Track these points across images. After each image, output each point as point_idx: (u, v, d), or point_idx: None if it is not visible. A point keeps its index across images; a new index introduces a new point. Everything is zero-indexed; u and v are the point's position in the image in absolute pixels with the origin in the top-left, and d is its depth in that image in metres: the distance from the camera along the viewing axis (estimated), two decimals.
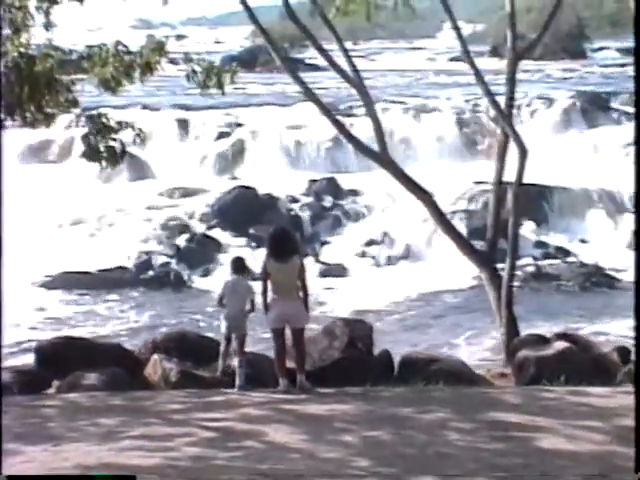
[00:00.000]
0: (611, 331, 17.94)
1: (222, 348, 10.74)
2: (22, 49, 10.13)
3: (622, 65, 49.41)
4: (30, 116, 10.37)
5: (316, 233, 24.90)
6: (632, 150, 29.18)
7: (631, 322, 17.69)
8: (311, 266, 22.43)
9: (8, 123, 10.41)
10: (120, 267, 22.66)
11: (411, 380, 10.64)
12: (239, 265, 10.86)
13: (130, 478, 7.38)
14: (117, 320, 19.84)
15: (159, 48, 10.73)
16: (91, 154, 10.89)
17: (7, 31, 10.30)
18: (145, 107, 32.89)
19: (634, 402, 7.65)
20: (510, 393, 10.39)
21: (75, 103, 10.69)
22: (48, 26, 10.47)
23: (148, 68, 10.62)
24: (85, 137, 10.91)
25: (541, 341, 11.45)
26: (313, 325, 11.48)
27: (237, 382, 10.38)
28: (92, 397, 10.10)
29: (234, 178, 28.69)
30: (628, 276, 21.65)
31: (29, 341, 15.79)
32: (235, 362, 10.51)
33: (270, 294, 10.32)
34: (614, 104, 32.90)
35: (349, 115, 28.51)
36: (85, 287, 21.61)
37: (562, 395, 9.91)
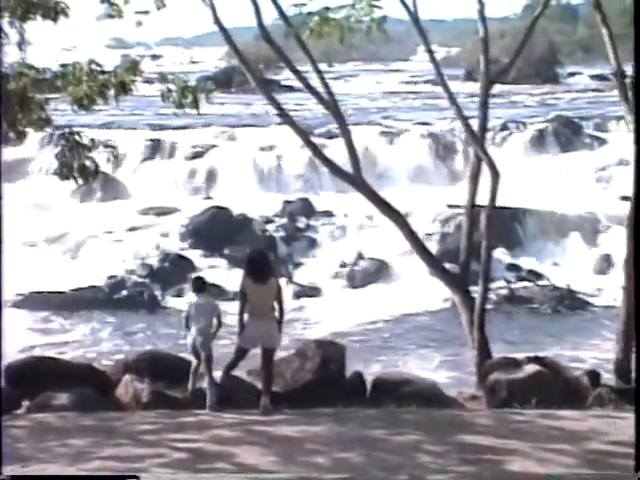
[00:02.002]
0: (582, 354, 18.04)
1: (192, 368, 10.73)
2: None
3: (594, 90, 49.91)
4: (3, 134, 10.34)
5: (290, 254, 24.92)
6: (603, 175, 29.50)
7: (602, 344, 17.90)
8: (284, 287, 22.43)
9: None
10: (93, 287, 22.55)
11: (383, 402, 10.63)
12: (199, 284, 10.93)
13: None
14: (88, 340, 19.73)
15: (133, 67, 10.74)
16: (64, 172, 10.86)
17: None
18: (119, 127, 32.86)
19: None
20: (482, 416, 10.40)
21: (48, 121, 10.67)
22: (22, 44, 10.45)
23: (122, 87, 10.62)
24: (58, 155, 10.88)
25: (513, 364, 11.47)
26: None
27: (207, 402, 10.35)
28: (62, 417, 10.02)
29: (208, 198, 28.68)
30: (599, 300, 21.81)
31: None
32: (207, 403, 10.49)
33: (245, 315, 10.38)
34: (587, 129, 33.17)
35: (326, 137, 28.55)
36: (58, 307, 21.48)
37: (533, 418, 9.94)
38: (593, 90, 50.45)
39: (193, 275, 12.99)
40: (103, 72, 10.59)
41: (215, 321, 10.63)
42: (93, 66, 10.50)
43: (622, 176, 26.66)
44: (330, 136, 27.90)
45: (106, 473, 7.87)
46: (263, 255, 10.98)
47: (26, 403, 10.66)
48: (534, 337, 19.43)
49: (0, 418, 8.31)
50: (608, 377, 11.90)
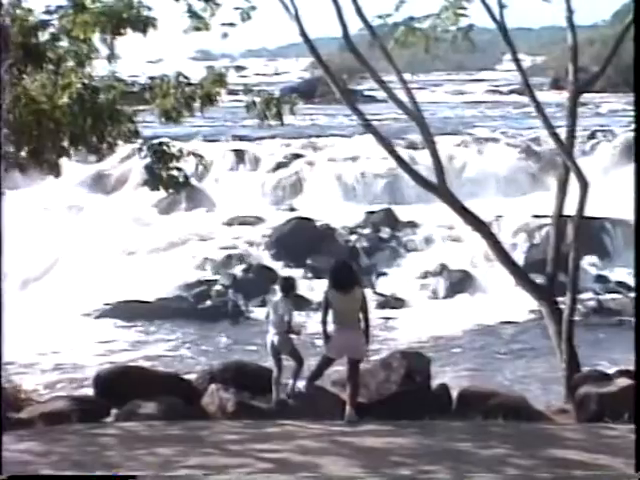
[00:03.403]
0: None
1: (274, 375, 10.79)
2: (86, 81, 10.29)
3: None
4: (93, 146, 10.53)
5: (373, 264, 24.84)
6: None
7: None
8: (368, 298, 22.35)
9: (72, 153, 10.59)
10: (178, 296, 22.81)
11: (469, 414, 10.51)
12: (285, 284, 11.05)
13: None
14: (174, 349, 19.93)
15: (219, 79, 10.85)
16: (153, 183, 11.00)
17: (71, 63, 10.48)
18: (204, 137, 33.20)
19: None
20: (571, 430, 10.21)
21: (137, 133, 10.82)
22: (111, 58, 10.63)
23: (208, 99, 10.74)
24: (147, 166, 11.02)
25: (603, 377, 11.24)
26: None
27: (287, 391, 10.51)
28: (150, 426, 10.13)
29: (292, 209, 28.78)
30: None
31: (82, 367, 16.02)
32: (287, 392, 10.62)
33: (332, 325, 10.43)
34: None
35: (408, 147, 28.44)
36: (144, 316, 21.75)
37: (624, 433, 9.70)
38: None
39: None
40: (190, 84, 10.72)
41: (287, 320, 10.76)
42: (180, 78, 10.64)
43: None
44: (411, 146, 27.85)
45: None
46: (347, 265, 11.10)
47: (114, 411, 10.80)
48: (622, 350, 19.00)
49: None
50: None
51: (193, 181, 24.77)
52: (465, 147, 31.76)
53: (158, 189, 10.96)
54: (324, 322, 10.52)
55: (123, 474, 7.86)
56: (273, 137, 31.93)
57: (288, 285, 11.05)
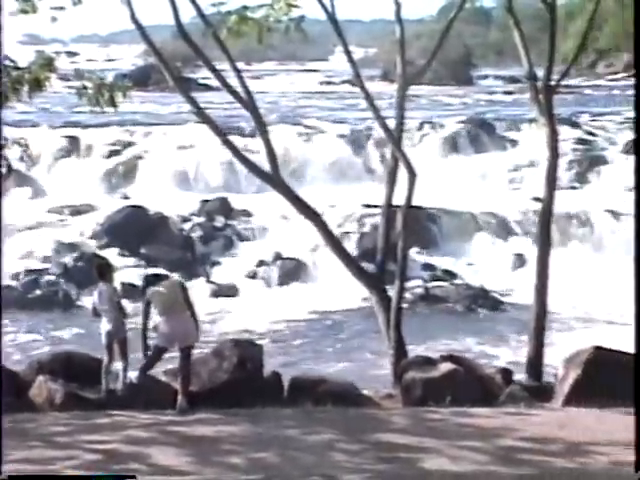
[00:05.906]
0: (495, 353, 18.35)
1: (104, 364, 10.68)
2: None
3: (507, 92, 50.79)
4: None
5: (207, 253, 24.81)
6: (516, 175, 30.10)
7: (511, 344, 18.27)
8: (202, 286, 22.38)
9: None
10: (7, 286, 22.14)
11: (300, 401, 10.68)
12: (99, 270, 10.96)
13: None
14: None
15: (48, 64, 10.60)
16: None
17: None
18: (34, 124, 32.30)
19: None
20: (397, 414, 10.50)
21: None
22: None
23: (37, 84, 10.47)
24: None
25: (428, 363, 11.61)
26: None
27: (120, 386, 10.38)
28: None
29: (125, 197, 28.39)
30: (511, 299, 22.16)
31: None
32: (119, 385, 10.50)
33: (159, 317, 10.43)
34: (499, 130, 33.69)
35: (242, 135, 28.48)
36: None
37: (447, 416, 10.07)
38: (506, 92, 51.32)
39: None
40: (17, 68, 10.43)
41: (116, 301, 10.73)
42: (7, 62, 10.33)
43: (533, 177, 27.18)
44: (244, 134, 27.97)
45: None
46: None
47: None
48: (447, 335, 19.66)
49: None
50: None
51: (23, 169, 24.19)
52: (298, 137, 32.05)
53: None
54: (145, 314, 10.51)
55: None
56: (106, 124, 31.37)
57: (100, 271, 10.99)
